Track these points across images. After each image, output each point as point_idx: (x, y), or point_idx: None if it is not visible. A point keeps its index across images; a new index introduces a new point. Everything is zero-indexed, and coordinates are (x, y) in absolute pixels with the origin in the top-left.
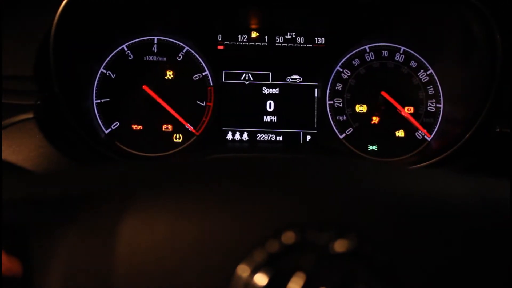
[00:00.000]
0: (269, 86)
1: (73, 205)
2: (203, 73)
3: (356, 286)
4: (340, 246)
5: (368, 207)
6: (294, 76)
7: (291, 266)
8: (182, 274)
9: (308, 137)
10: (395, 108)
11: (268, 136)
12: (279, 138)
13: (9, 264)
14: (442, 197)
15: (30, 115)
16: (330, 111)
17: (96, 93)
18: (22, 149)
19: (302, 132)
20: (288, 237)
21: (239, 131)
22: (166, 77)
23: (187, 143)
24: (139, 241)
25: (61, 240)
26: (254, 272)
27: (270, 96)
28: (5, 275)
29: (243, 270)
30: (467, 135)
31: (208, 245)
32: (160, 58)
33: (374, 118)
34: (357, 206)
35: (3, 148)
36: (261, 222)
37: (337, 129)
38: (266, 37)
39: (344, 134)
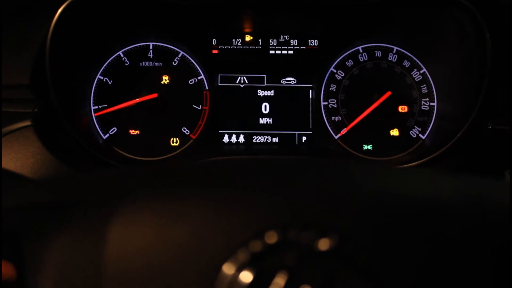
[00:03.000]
0: (264, 88)
1: (64, 211)
2: (199, 77)
3: (338, 284)
4: (322, 245)
5: (350, 206)
6: (288, 78)
7: (274, 265)
8: (169, 275)
9: (304, 138)
10: (389, 107)
11: (264, 138)
12: (275, 139)
13: (4, 268)
14: (425, 196)
15: (28, 123)
16: (324, 112)
17: (93, 100)
18: (20, 156)
19: (298, 133)
20: (271, 236)
21: (235, 133)
22: (162, 82)
23: (184, 147)
24: (127, 244)
25: (53, 244)
26: (238, 271)
27: (265, 99)
28: (8, 280)
29: (228, 269)
30: (460, 132)
31: (193, 246)
32: (156, 64)
33: (368, 117)
34: (339, 206)
35: (2, 155)
36: (244, 223)
37: (332, 129)
38: (260, 40)
39: (339, 134)
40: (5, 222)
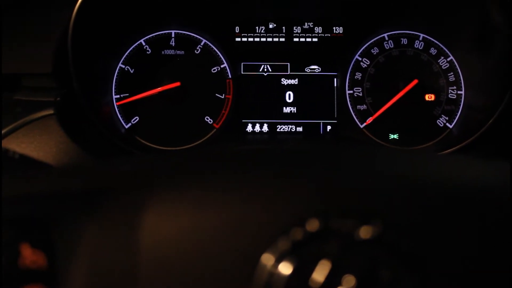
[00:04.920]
0: (288, 77)
1: (96, 198)
2: (222, 66)
3: (381, 273)
4: (364, 232)
5: (392, 193)
6: (312, 66)
7: (316, 254)
8: (206, 265)
9: (328, 127)
10: (416, 96)
11: (288, 127)
12: (299, 129)
13: (34, 257)
14: (468, 183)
15: (50, 112)
16: (350, 101)
17: (115, 88)
18: (43, 145)
19: (322, 122)
20: (312, 224)
21: (258, 123)
22: (184, 71)
23: (207, 136)
24: (162, 232)
25: (85, 233)
26: (278, 261)
27: (289, 87)
28: (30, 268)
29: (267, 259)
30: (489, 122)
31: (232, 235)
32: (178, 52)
33: (394, 106)
34: (381, 192)
35: (26, 144)
36: (285, 211)
37: (357, 118)
38: (283, 28)
39: (364, 123)
40: (35, 209)
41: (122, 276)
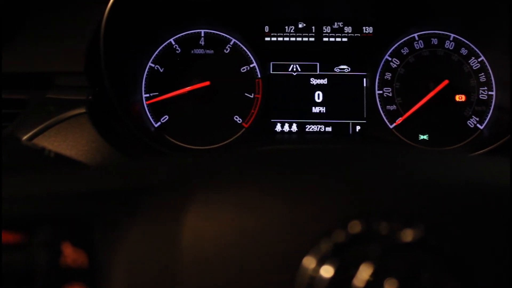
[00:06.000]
0: (317, 76)
1: (136, 197)
2: (251, 65)
3: (424, 276)
4: (407, 235)
5: (434, 196)
6: (342, 66)
7: (357, 257)
8: (247, 266)
9: (358, 128)
10: (446, 96)
11: (317, 127)
12: (328, 129)
13: (75, 256)
14: (505, 184)
15: (82, 110)
16: (379, 101)
17: (145, 87)
18: (75, 144)
19: (352, 122)
20: (355, 226)
21: (287, 122)
22: (213, 70)
23: (236, 135)
24: (203, 232)
25: (125, 232)
26: (320, 263)
27: (318, 87)
28: (71, 267)
29: (309, 262)
30: None
31: (273, 237)
32: (208, 51)
33: (424, 107)
34: (423, 195)
35: (58, 143)
36: (327, 213)
37: (386, 118)
38: (313, 27)
39: (394, 124)
40: (76, 208)
41: (162, 276)
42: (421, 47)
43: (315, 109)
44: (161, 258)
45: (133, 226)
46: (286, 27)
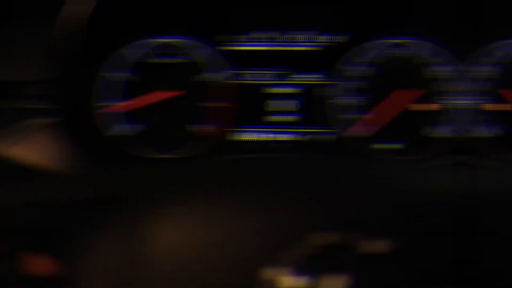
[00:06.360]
0: (290, 85)
1: (99, 208)
2: (223, 73)
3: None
4: (375, 247)
5: (400, 205)
6: (311, 74)
7: (320, 268)
8: (208, 277)
9: (327, 136)
10: (420, 104)
11: (289, 135)
12: (299, 137)
13: (44, 265)
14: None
15: (53, 119)
16: (352, 109)
17: (118, 95)
18: (45, 153)
19: (321, 131)
20: (318, 238)
21: (258, 131)
22: (184, 78)
23: (208, 145)
24: (165, 243)
25: (89, 242)
26: (283, 274)
27: (291, 95)
28: (46, 276)
29: (271, 274)
30: None
31: (235, 247)
32: (179, 59)
33: (397, 115)
34: (389, 205)
35: (26, 152)
36: (291, 224)
37: (357, 127)
38: (282, 35)
39: (367, 132)
40: (48, 217)
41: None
42: (394, 53)
43: (283, 118)
44: (124, 271)
45: (97, 237)
46: (259, 34)
